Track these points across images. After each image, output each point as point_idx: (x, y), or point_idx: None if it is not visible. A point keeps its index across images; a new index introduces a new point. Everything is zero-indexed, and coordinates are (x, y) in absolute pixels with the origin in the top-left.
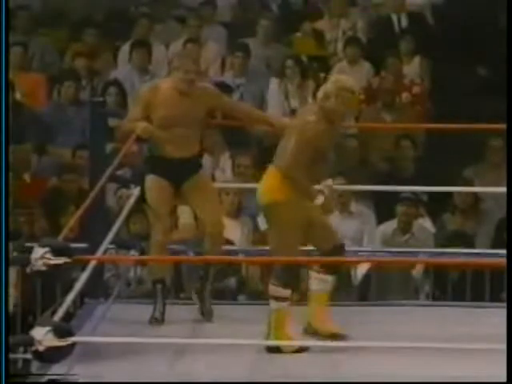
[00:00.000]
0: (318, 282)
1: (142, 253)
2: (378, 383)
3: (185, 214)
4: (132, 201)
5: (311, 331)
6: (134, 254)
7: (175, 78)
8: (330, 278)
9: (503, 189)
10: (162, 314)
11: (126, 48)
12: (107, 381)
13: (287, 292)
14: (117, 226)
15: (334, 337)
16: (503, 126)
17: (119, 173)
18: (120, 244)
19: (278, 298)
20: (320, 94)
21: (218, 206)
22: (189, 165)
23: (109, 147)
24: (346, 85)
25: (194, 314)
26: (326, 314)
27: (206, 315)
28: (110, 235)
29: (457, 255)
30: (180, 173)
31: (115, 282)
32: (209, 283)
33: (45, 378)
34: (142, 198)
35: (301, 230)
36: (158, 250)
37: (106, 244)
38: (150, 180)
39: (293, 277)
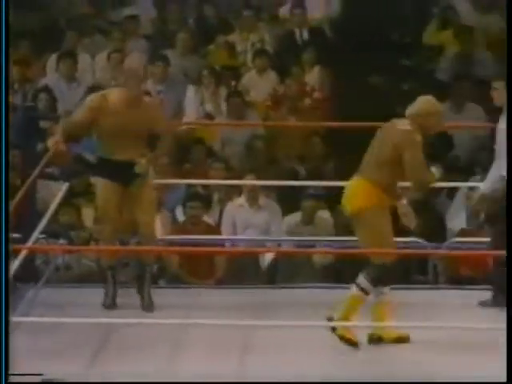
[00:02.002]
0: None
1: (70, 241)
2: (374, 383)
3: None
4: (61, 195)
5: (375, 339)
6: (62, 243)
7: (123, 92)
8: (386, 290)
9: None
10: (114, 298)
11: (53, 58)
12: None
13: (372, 288)
14: (47, 218)
15: (400, 340)
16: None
17: (48, 170)
18: (50, 233)
19: (363, 290)
20: (420, 111)
21: (154, 209)
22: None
23: (39, 147)
24: (440, 107)
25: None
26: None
27: (147, 309)
28: (41, 226)
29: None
30: (127, 175)
31: (45, 268)
32: (147, 281)
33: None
34: (72, 193)
35: (390, 232)
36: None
37: (37, 234)
38: (99, 183)
39: (385, 276)
